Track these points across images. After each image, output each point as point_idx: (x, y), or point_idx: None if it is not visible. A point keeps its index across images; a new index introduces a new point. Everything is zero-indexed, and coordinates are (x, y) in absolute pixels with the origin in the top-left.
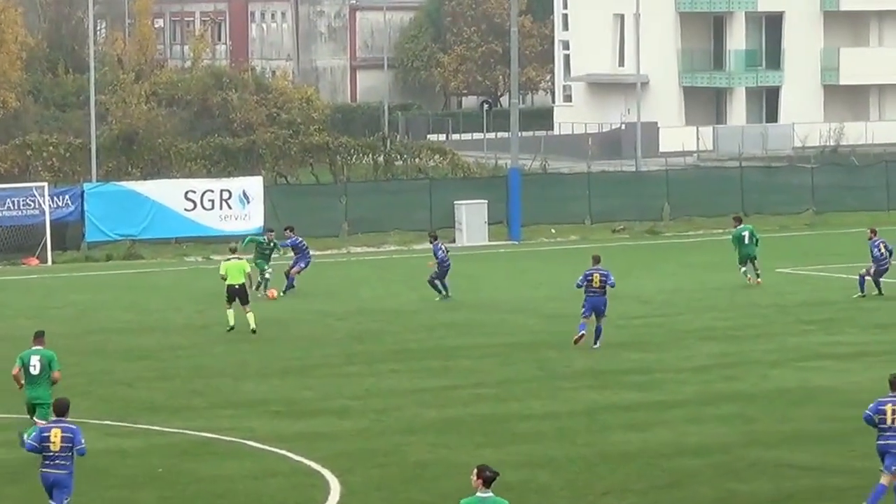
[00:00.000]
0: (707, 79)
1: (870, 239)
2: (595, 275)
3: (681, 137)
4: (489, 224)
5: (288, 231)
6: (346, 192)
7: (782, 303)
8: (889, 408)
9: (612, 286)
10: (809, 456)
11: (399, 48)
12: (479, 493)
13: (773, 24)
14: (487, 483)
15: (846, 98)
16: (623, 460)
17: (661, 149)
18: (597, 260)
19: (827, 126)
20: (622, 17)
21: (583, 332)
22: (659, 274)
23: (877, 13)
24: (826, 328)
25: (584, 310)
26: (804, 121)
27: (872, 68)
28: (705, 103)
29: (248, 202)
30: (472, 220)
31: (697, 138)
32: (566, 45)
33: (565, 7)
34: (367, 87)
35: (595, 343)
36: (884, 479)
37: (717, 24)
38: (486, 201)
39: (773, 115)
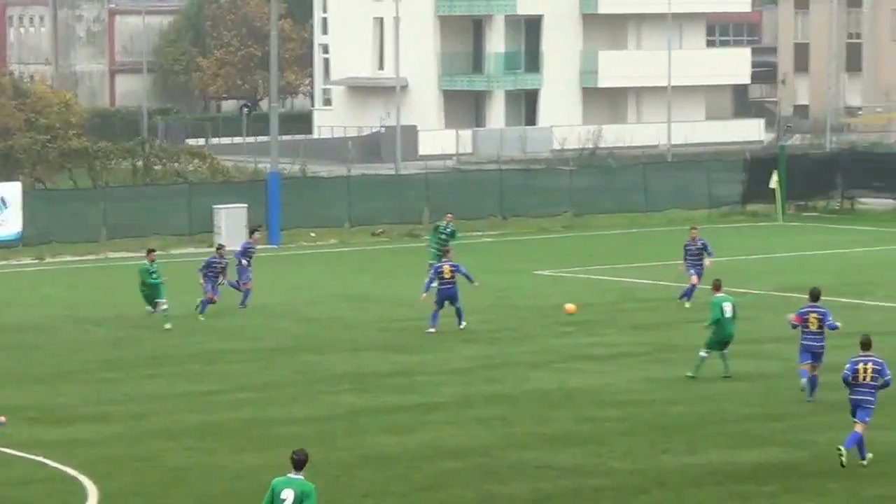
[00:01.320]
0: (467, 82)
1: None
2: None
3: (440, 141)
4: (249, 228)
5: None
6: (105, 198)
7: (541, 305)
8: (861, 366)
9: None
10: (568, 457)
11: (158, 52)
12: (289, 475)
13: (532, 28)
14: (296, 466)
15: (605, 100)
16: (383, 463)
17: (421, 152)
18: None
19: (585, 128)
20: (382, 20)
21: None
22: (418, 277)
23: (635, 16)
24: (585, 330)
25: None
26: (563, 123)
27: (631, 71)
28: (465, 106)
29: (6, 208)
30: (231, 225)
31: (457, 141)
32: (326, 49)
33: (325, 11)
34: (126, 91)
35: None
36: (857, 428)
37: (477, 28)
38: (246, 205)
39: (532, 118)
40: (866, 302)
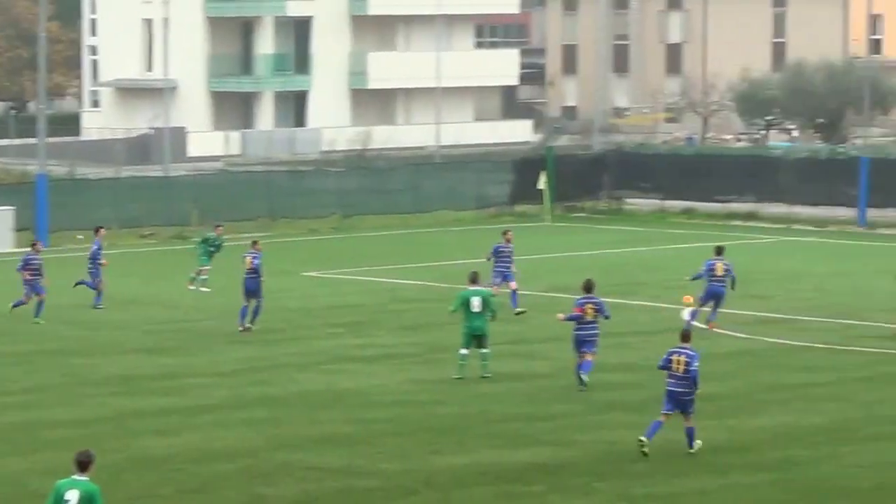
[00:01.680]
0: (236, 83)
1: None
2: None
3: (209, 142)
4: (16, 231)
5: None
6: None
7: (310, 306)
8: (675, 357)
9: None
10: (336, 458)
11: None
12: (73, 476)
13: (301, 29)
14: (80, 467)
15: (374, 102)
16: (151, 465)
17: (190, 154)
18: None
19: (355, 130)
20: (151, 22)
21: None
22: (186, 278)
23: (404, 18)
24: (354, 331)
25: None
26: (332, 125)
27: (400, 72)
28: (234, 108)
29: None
30: None
31: (226, 143)
32: (94, 51)
33: (94, 12)
34: None
35: None
36: (661, 418)
37: (246, 29)
38: (14, 208)
39: (301, 120)
40: (633, 302)
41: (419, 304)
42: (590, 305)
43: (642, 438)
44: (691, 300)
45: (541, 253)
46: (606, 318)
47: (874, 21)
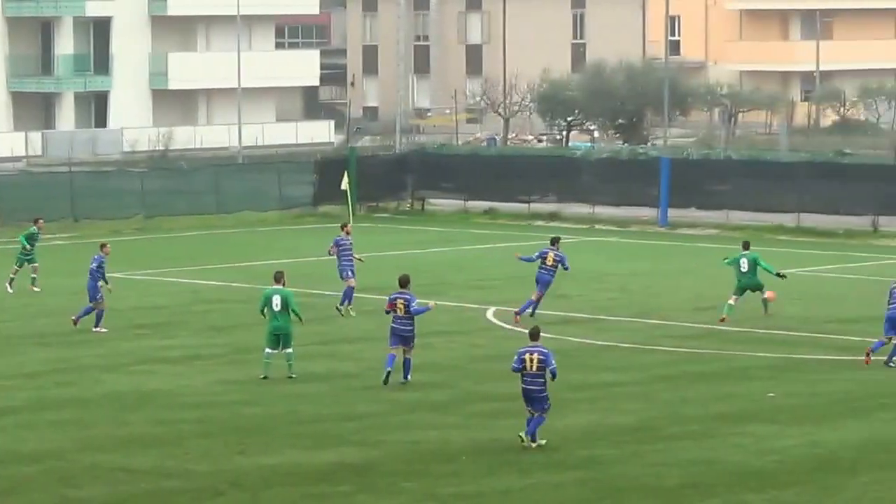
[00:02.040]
0: (36, 84)
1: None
2: None
3: (9, 143)
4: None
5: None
6: None
7: (115, 307)
8: (528, 356)
9: None
10: (144, 459)
11: None
12: None
13: (101, 30)
14: None
15: (176, 102)
16: None
17: None
18: None
19: (156, 130)
20: None
21: None
22: None
23: (204, 18)
24: (159, 332)
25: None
26: (134, 125)
27: (201, 73)
28: (34, 108)
29: None
30: None
31: (26, 143)
32: None
33: None
34: None
35: None
36: (528, 414)
37: (45, 29)
38: None
39: (102, 120)
40: (438, 302)
41: (224, 304)
42: (400, 301)
43: (521, 435)
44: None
45: None
46: (417, 312)
47: (672, 22)
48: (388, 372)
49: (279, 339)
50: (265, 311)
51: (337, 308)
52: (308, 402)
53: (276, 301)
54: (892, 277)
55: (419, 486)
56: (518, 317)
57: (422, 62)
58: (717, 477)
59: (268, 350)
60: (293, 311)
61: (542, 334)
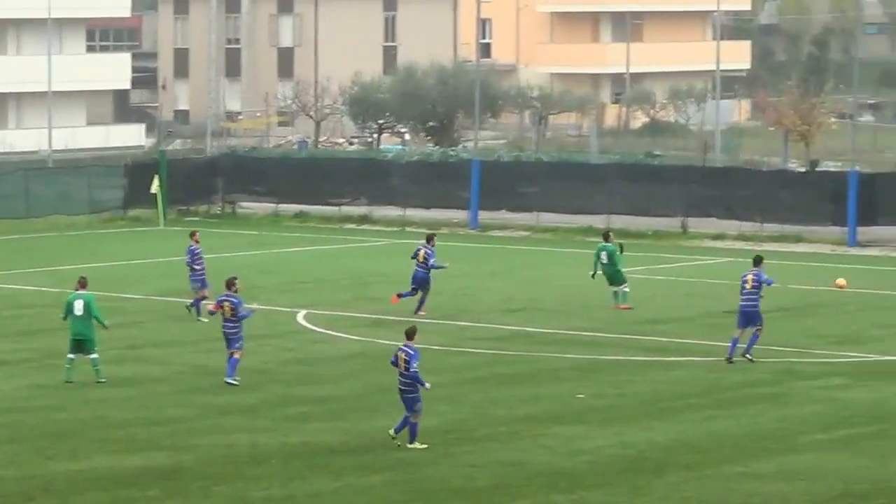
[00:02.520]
0: None
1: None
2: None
3: None
4: None
5: None
6: None
7: None
8: (399, 355)
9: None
10: None
11: None
12: None
13: None
14: None
15: None
16: None
17: None
18: None
19: None
20: None
21: None
22: None
23: (14, 21)
24: None
25: None
26: None
27: (10, 76)
28: None
29: None
30: None
31: None
32: None
33: None
34: None
35: None
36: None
37: None
38: None
39: None
40: (250, 305)
41: (34, 309)
42: (227, 303)
43: (391, 432)
44: (844, 283)
45: (154, 257)
46: (243, 317)
47: (483, 25)
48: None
49: (81, 344)
50: (68, 316)
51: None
52: (117, 406)
53: (79, 306)
54: (700, 278)
55: (230, 490)
56: (417, 313)
57: (233, 65)
58: (526, 478)
59: (69, 355)
60: (95, 316)
61: (351, 336)
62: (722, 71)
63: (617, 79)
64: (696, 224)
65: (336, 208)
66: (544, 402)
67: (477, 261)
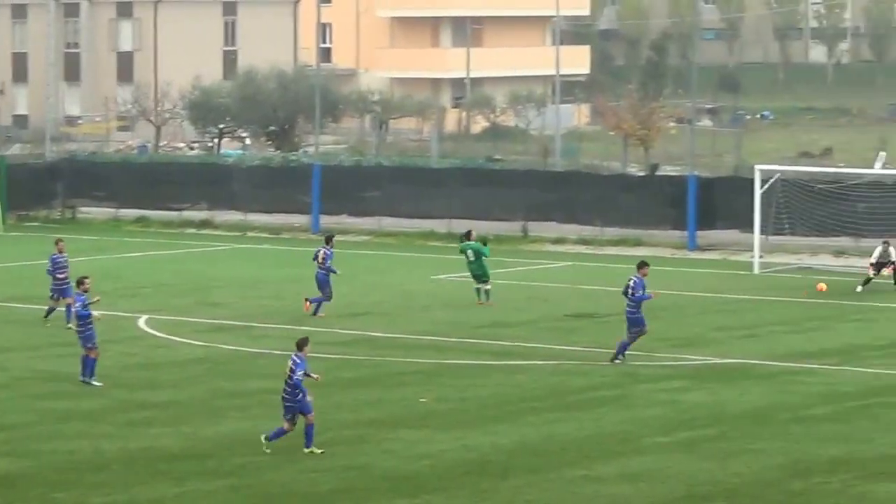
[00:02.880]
0: None
1: None
2: None
3: None
4: None
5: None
6: None
7: None
8: (288, 363)
9: None
10: None
11: None
12: None
13: None
14: None
15: None
16: None
17: None
18: None
19: None
20: None
21: None
22: None
23: None
24: None
25: None
26: None
27: None
28: None
29: None
30: None
31: None
32: None
33: None
34: None
35: None
36: (285, 426)
37: None
38: None
39: None
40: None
41: None
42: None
43: (264, 439)
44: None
45: None
46: (80, 315)
47: (323, 30)
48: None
49: None
50: None
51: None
52: None
53: None
54: (541, 282)
55: (70, 497)
56: (315, 315)
57: (73, 70)
58: (370, 482)
59: None
60: None
61: (193, 342)
62: (561, 76)
63: (457, 83)
64: (537, 228)
65: (177, 213)
66: (388, 407)
67: None
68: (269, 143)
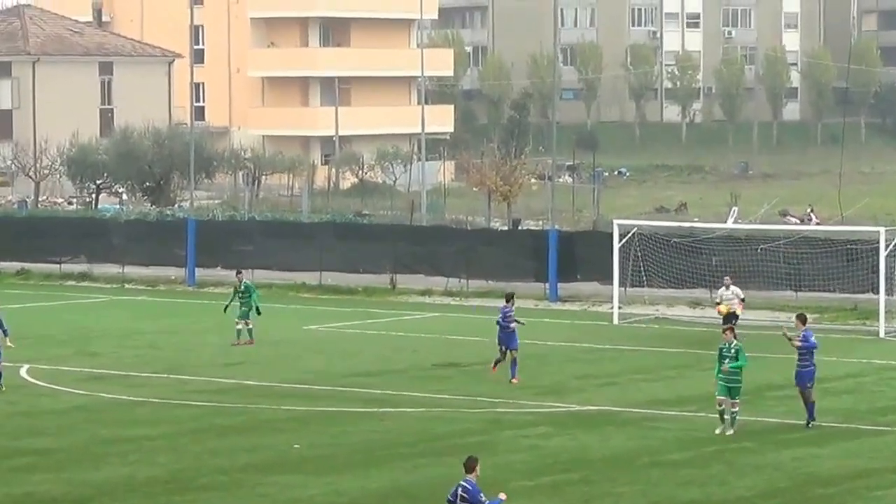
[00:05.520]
0: None
1: None
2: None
3: None
4: None
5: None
6: None
7: None
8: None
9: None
10: None
11: None
12: None
13: None
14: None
15: None
16: None
17: None
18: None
19: None
20: None
21: None
22: None
23: None
24: None
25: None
26: None
27: None
28: None
29: None
30: None
31: None
32: None
33: None
34: None
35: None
36: None
37: None
38: None
39: None
40: None
41: None
42: None
43: None
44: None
45: None
46: None
47: (197, 89)
48: None
49: None
50: None
51: None
52: None
53: None
54: (408, 332)
55: None
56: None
57: None
58: None
59: None
60: None
61: (72, 390)
62: (427, 134)
63: (326, 141)
64: (405, 280)
65: (57, 266)
66: (262, 452)
67: (194, 316)
68: (146, 198)
